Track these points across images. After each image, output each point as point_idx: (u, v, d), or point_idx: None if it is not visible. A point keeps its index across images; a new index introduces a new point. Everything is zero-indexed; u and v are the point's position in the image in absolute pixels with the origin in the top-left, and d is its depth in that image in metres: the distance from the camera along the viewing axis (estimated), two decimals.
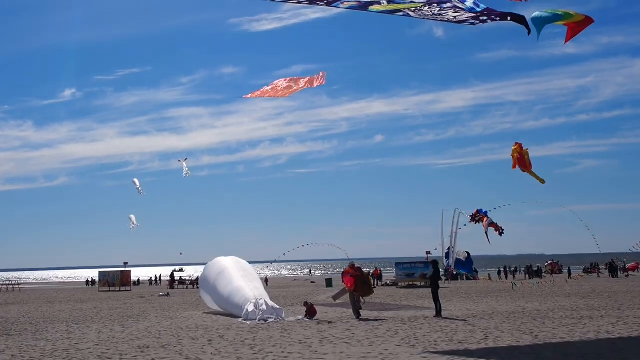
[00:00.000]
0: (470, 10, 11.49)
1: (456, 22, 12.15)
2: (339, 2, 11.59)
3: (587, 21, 19.52)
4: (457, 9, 11.60)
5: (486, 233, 50.09)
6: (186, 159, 51.91)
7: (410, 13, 11.95)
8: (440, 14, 11.84)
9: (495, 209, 51.50)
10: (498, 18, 11.68)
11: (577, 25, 19.11)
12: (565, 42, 19.69)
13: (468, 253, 56.30)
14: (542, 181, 27.28)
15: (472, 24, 12.19)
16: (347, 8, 11.88)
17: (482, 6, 11.58)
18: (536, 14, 18.68)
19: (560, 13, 18.69)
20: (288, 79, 19.89)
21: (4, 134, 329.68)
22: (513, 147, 27.60)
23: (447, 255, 54.10)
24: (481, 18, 11.85)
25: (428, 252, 59.25)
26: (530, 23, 19.02)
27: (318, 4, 11.63)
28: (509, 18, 11.69)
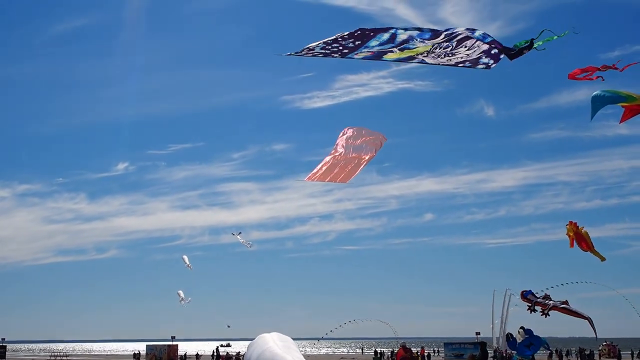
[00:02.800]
0: (482, 39, 11.77)
1: (470, 64, 12.41)
2: (353, 54, 12.03)
3: None
4: (468, 45, 11.92)
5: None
6: (240, 233, 52.06)
7: (425, 59, 12.30)
8: (453, 54, 12.16)
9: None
10: (512, 52, 12.01)
11: (636, 107, 18.87)
12: (620, 122, 19.48)
13: (525, 329, 54.71)
14: (603, 258, 26.78)
15: (487, 66, 12.42)
16: (362, 59, 12.29)
17: (490, 38, 11.87)
18: (597, 92, 18.45)
19: (623, 95, 18.46)
20: (345, 139, 19.27)
21: (57, 205, 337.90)
22: (567, 226, 27.27)
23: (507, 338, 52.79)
24: (492, 52, 12.12)
25: (477, 333, 58.00)
26: (591, 103, 19.02)
27: (333, 56, 12.08)
28: (525, 51, 12.05)
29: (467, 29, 11.84)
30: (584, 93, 21.33)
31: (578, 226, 27.03)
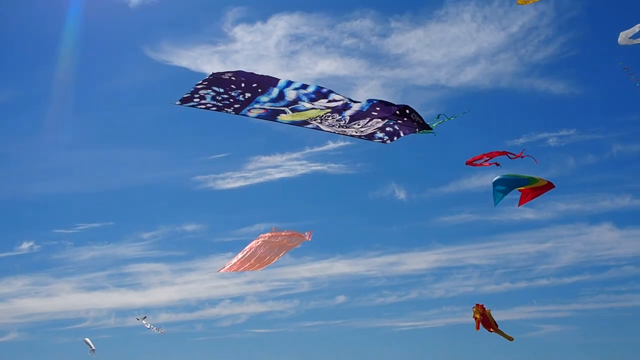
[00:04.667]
0: (371, 102, 11.77)
1: (366, 137, 12.48)
2: (246, 110, 11.76)
3: (548, 186, 19.99)
4: (362, 123, 11.96)
5: None
6: (145, 317, 49.71)
7: (320, 126, 12.20)
8: (347, 126, 12.17)
9: None
10: (406, 128, 12.13)
11: (535, 190, 19.56)
12: (519, 205, 20.05)
13: None
14: (511, 338, 26.78)
15: (383, 141, 12.54)
16: (256, 117, 12.03)
17: (375, 100, 11.87)
18: (498, 177, 18.95)
19: (525, 178, 18.98)
20: (268, 235, 19.08)
21: None
22: (474, 309, 27.30)
23: None
24: (387, 129, 12.25)
25: None
26: (492, 187, 19.45)
27: (226, 111, 11.74)
28: (417, 130, 12.17)
29: (352, 100, 11.82)
30: (492, 178, 22.11)
31: (485, 308, 27.14)
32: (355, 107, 11.69)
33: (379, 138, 12.45)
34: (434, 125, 14.07)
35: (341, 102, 11.65)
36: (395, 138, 12.41)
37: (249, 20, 41.00)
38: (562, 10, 38.86)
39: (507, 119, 41.66)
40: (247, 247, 18.71)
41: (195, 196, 43.28)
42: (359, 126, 12.10)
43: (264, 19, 40.98)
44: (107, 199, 44.57)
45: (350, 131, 12.30)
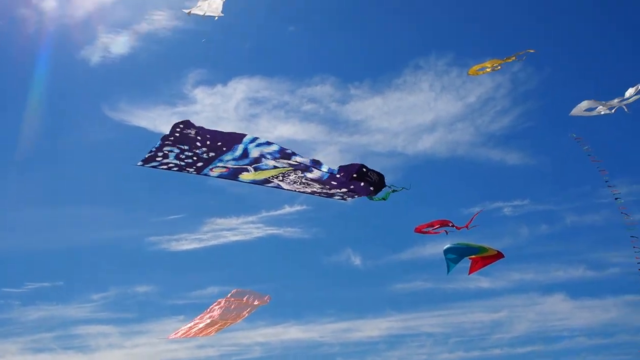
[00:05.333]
0: (332, 172, 11.96)
1: (326, 195, 12.63)
2: (208, 169, 11.79)
3: (498, 255, 20.45)
4: (322, 184, 12.11)
5: None
6: None
7: (281, 184, 12.30)
8: (308, 184, 12.28)
9: None
10: (363, 192, 12.31)
11: (485, 259, 20.00)
12: (469, 273, 20.44)
13: None
14: None
15: (343, 198, 12.70)
16: (217, 176, 12.06)
17: (336, 170, 12.07)
18: (449, 245, 19.42)
19: (475, 246, 19.45)
20: (225, 300, 18.85)
21: None
22: None
23: None
24: (349, 193, 12.42)
25: None
26: (444, 256, 19.79)
27: (187, 171, 11.75)
28: (371, 189, 12.38)
29: (313, 161, 12.00)
30: (449, 244, 22.44)
31: None
32: (316, 174, 11.89)
33: (339, 196, 12.64)
34: (380, 197, 14.39)
35: (303, 164, 11.84)
36: (355, 196, 12.64)
37: (210, 82, 41.37)
38: (518, 83, 40.13)
39: (462, 188, 42.35)
40: (203, 313, 18.47)
41: (148, 257, 42.59)
42: (320, 186, 12.27)
43: (225, 81, 41.47)
44: (58, 257, 43.62)
45: (310, 189, 12.45)
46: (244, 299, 18.52)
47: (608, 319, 36.08)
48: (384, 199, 19.09)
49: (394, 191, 17.87)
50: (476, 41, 42.04)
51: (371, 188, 12.36)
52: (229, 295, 18.68)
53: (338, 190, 12.40)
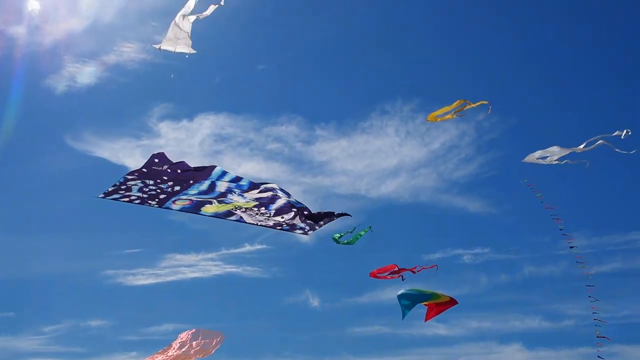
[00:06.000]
0: (295, 204, 12.09)
1: (288, 227, 12.68)
2: (170, 202, 11.76)
3: (451, 302, 20.68)
4: (286, 217, 12.17)
5: None
6: None
7: (243, 216, 12.30)
8: (271, 217, 12.33)
9: None
10: (321, 223, 12.45)
11: (440, 306, 20.22)
12: (425, 320, 20.64)
13: None
14: None
15: (305, 232, 12.76)
16: (179, 209, 12.03)
17: (302, 205, 12.23)
18: (402, 291, 19.71)
19: (428, 293, 19.70)
20: (185, 337, 18.72)
21: None
22: None
23: None
24: (308, 221, 12.52)
25: None
26: (398, 302, 20.03)
27: (150, 204, 11.70)
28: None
29: (282, 191, 12.09)
30: (406, 288, 22.58)
31: None
32: (281, 201, 11.97)
33: (300, 228, 12.73)
34: (347, 241, 14.47)
35: (270, 194, 11.91)
36: (316, 229, 12.74)
37: (175, 117, 41.29)
38: (482, 132, 40.86)
39: (424, 233, 42.62)
40: (155, 354, 18.32)
41: (103, 290, 41.78)
42: (283, 219, 12.32)
43: (191, 117, 41.39)
44: (9, 287, 42.61)
45: (273, 222, 12.48)
46: (198, 340, 18.45)
47: None
48: (350, 242, 19.36)
49: (360, 236, 18.12)
50: (442, 88, 42.85)
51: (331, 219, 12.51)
52: (183, 336, 18.56)
53: (301, 220, 12.48)
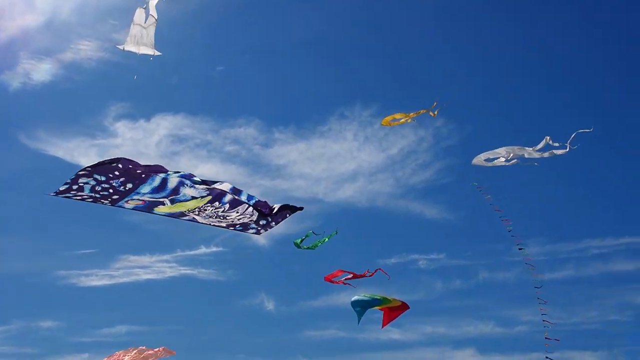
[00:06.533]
0: (248, 200, 12.09)
1: (241, 227, 12.72)
2: (123, 201, 11.68)
3: (403, 307, 20.95)
4: (241, 210, 12.16)
5: None
6: None
7: (197, 217, 12.30)
8: (224, 217, 12.32)
9: None
10: (279, 217, 12.52)
11: (393, 311, 20.50)
12: (382, 326, 20.91)
13: None
14: None
15: (257, 231, 12.81)
16: (132, 208, 11.96)
17: (255, 199, 12.23)
18: (355, 297, 19.99)
19: (378, 298, 19.97)
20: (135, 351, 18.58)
21: None
22: None
23: None
24: (261, 222, 12.57)
25: None
26: (352, 307, 20.32)
27: (102, 202, 11.61)
28: (287, 215, 12.57)
29: (233, 189, 12.07)
30: (361, 293, 22.87)
31: None
32: (235, 199, 11.96)
33: (253, 228, 12.76)
34: (309, 246, 14.48)
35: (220, 189, 11.88)
36: (268, 229, 12.78)
37: (132, 117, 40.67)
38: (440, 138, 41.08)
39: (380, 238, 42.70)
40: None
41: (55, 291, 41.03)
42: (237, 214, 12.30)
43: (148, 117, 40.91)
44: None
45: (226, 222, 12.46)
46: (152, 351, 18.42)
47: None
48: (312, 247, 19.44)
49: (324, 241, 18.22)
50: (401, 94, 43.15)
51: (286, 211, 12.54)
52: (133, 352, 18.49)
53: (254, 218, 12.49)
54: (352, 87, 44.94)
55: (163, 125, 40.37)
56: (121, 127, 39.68)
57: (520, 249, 21.78)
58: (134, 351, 18.35)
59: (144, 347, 18.53)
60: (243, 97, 44.99)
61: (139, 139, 40.64)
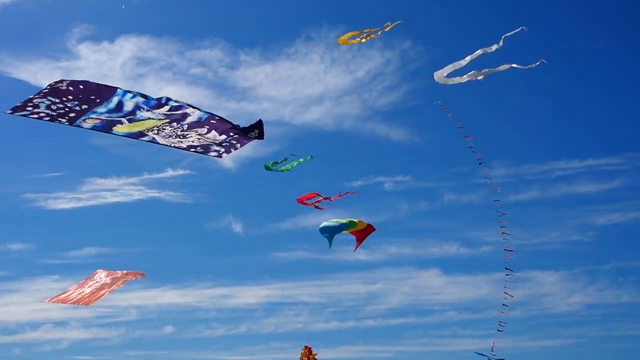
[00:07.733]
0: (210, 118, 11.97)
1: (202, 149, 12.64)
2: (81, 120, 11.54)
3: (369, 229, 21.29)
4: (200, 131, 12.11)
5: None
6: None
7: (156, 137, 12.21)
8: (184, 136, 12.24)
9: None
10: (243, 139, 12.45)
11: (362, 233, 20.83)
12: (355, 250, 21.29)
13: None
14: None
15: (219, 154, 12.79)
16: (90, 128, 11.84)
17: (217, 116, 12.07)
18: (324, 224, 20.28)
19: (345, 222, 20.29)
20: (105, 273, 18.64)
21: None
22: (302, 351, 27.68)
23: None
24: (224, 144, 12.51)
25: None
26: (320, 233, 20.66)
27: (60, 121, 11.47)
28: (251, 138, 12.47)
29: (191, 106, 11.85)
30: (328, 218, 23.21)
31: (312, 351, 27.58)
32: (193, 116, 11.74)
33: (215, 151, 12.64)
34: (283, 168, 14.30)
35: (180, 113, 11.69)
36: (231, 151, 12.64)
37: (96, 38, 39.84)
38: (407, 61, 40.92)
39: (347, 161, 42.93)
40: (79, 283, 18.27)
41: (23, 214, 40.86)
42: (197, 134, 12.13)
43: (112, 38, 40.10)
44: None
45: (187, 142, 12.31)
46: (119, 274, 18.52)
47: (478, 295, 37.81)
48: (282, 170, 19.37)
49: (299, 162, 18.07)
50: (368, 15, 42.54)
51: (251, 135, 12.33)
52: (103, 274, 18.60)
53: (217, 139, 12.30)
54: (319, 8, 44.27)
55: (127, 47, 39.63)
56: (84, 49, 38.85)
57: (479, 163, 22.11)
58: (115, 274, 18.50)
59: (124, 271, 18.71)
60: (208, 19, 44.09)
61: (103, 61, 39.85)
